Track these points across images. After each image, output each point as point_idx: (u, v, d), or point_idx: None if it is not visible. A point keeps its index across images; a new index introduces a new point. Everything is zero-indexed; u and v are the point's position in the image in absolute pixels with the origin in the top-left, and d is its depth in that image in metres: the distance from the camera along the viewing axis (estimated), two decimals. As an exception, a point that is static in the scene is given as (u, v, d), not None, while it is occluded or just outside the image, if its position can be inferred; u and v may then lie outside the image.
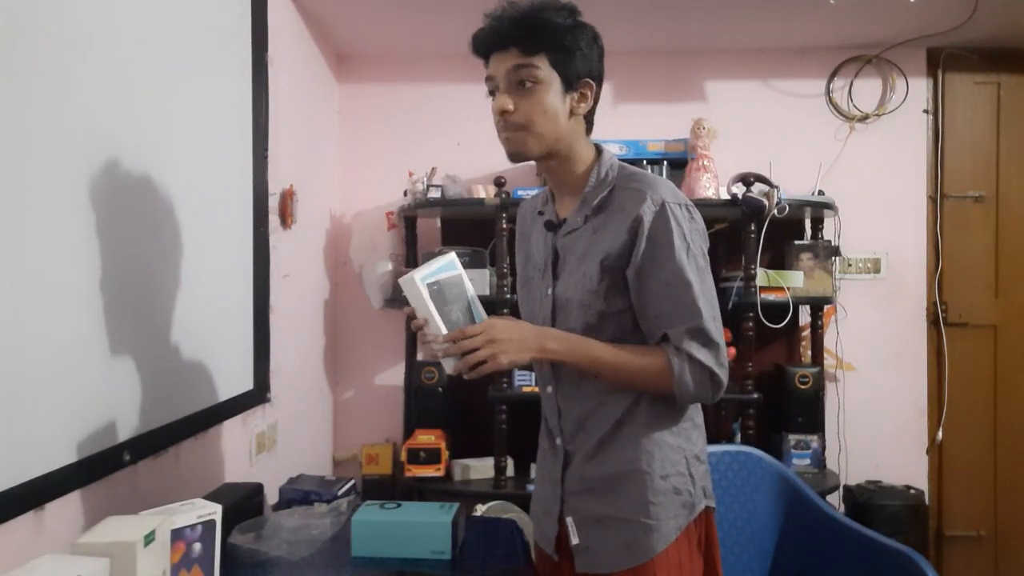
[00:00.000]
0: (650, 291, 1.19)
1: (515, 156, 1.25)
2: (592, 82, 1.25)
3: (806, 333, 2.84)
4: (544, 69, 1.19)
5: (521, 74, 1.19)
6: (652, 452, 1.22)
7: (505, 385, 2.51)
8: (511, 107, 1.20)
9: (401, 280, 1.17)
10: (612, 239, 1.21)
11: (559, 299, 1.28)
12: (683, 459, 1.24)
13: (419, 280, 1.15)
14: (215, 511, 1.19)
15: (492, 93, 1.25)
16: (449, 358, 1.16)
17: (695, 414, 1.30)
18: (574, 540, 1.25)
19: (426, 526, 1.39)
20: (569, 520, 1.26)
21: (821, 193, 2.67)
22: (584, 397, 1.27)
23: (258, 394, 2.01)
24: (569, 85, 1.22)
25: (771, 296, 2.54)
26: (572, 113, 1.24)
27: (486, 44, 1.23)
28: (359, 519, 1.41)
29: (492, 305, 2.54)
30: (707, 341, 1.17)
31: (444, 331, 1.15)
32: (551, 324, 1.28)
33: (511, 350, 1.15)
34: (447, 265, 1.22)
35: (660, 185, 1.23)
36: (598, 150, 1.32)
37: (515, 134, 1.22)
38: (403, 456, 2.55)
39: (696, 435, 1.29)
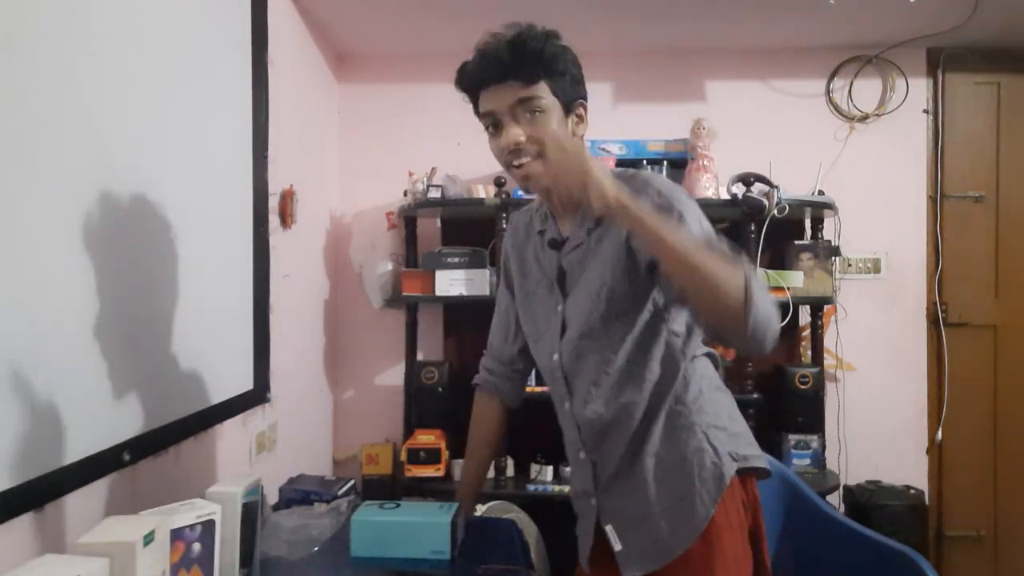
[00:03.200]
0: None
1: (531, 190, 1.25)
2: (584, 103, 1.27)
3: (806, 333, 2.84)
4: (547, 97, 1.20)
5: (528, 106, 1.19)
6: (675, 442, 1.22)
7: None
8: (523, 138, 1.19)
9: None
10: (615, 240, 1.21)
11: (569, 313, 1.28)
12: (700, 435, 1.22)
13: None
14: (215, 511, 1.19)
15: (492, 128, 1.23)
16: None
17: (704, 383, 1.26)
18: (616, 547, 1.24)
19: (425, 526, 1.39)
20: (608, 528, 1.26)
21: (821, 193, 2.67)
22: (601, 408, 1.25)
23: (258, 394, 2.01)
24: (568, 109, 1.23)
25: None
26: (573, 135, 1.25)
27: (481, 78, 1.21)
28: (358, 519, 1.41)
29: (492, 305, 2.53)
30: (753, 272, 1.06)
31: None
32: (559, 338, 1.29)
33: (597, 173, 1.03)
34: None
35: (652, 179, 1.21)
36: None
37: (532, 166, 1.20)
38: (403, 456, 2.55)
39: (710, 404, 1.25)
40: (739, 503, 1.22)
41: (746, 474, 1.24)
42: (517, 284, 1.43)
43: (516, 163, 1.21)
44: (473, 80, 1.22)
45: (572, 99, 1.23)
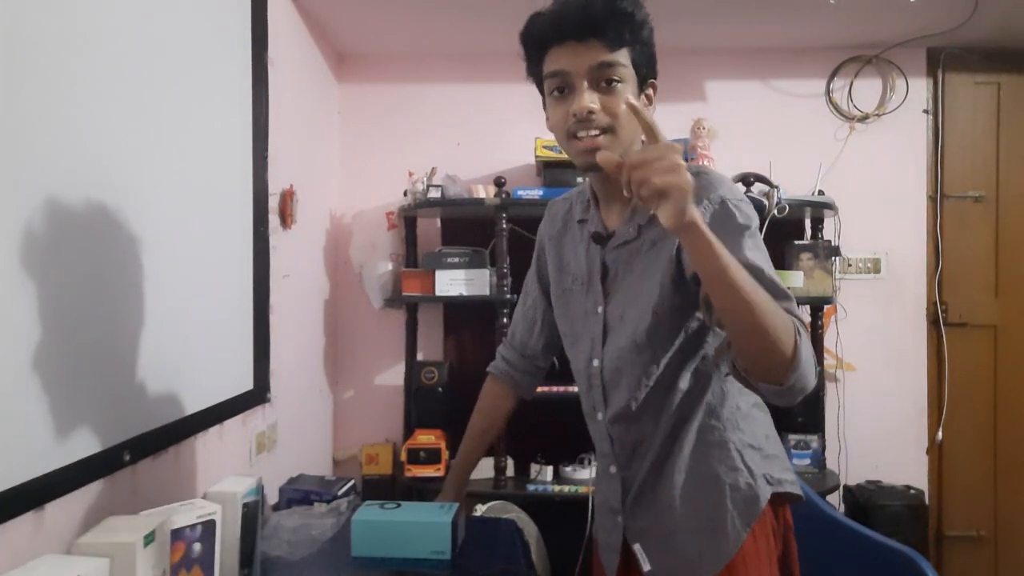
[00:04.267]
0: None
1: (596, 166, 1.06)
2: (655, 83, 1.16)
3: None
4: (628, 66, 1.08)
5: (607, 73, 1.06)
6: (707, 459, 1.15)
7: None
8: (597, 106, 1.06)
9: None
10: (669, 245, 1.10)
11: (611, 317, 1.18)
12: (735, 454, 1.15)
13: None
14: (215, 511, 1.19)
15: (557, 92, 1.10)
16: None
17: (741, 399, 1.19)
18: (645, 567, 1.18)
19: (426, 526, 1.39)
20: (636, 547, 1.19)
21: (821, 193, 2.67)
22: (635, 421, 1.18)
23: (258, 394, 2.01)
24: (642, 84, 1.12)
25: (771, 296, 2.54)
26: None
27: (560, 32, 1.07)
28: (359, 519, 1.41)
29: (492, 305, 2.54)
30: (799, 321, 0.97)
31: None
32: (601, 344, 1.20)
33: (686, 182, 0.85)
34: None
35: (718, 182, 1.09)
36: None
37: (600, 138, 1.07)
38: (403, 456, 2.55)
39: (746, 422, 1.17)
40: (770, 530, 1.15)
41: (780, 499, 1.17)
42: (553, 278, 1.33)
43: (581, 134, 1.08)
44: (548, 33, 1.08)
45: (648, 76, 1.13)
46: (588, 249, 1.23)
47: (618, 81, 1.07)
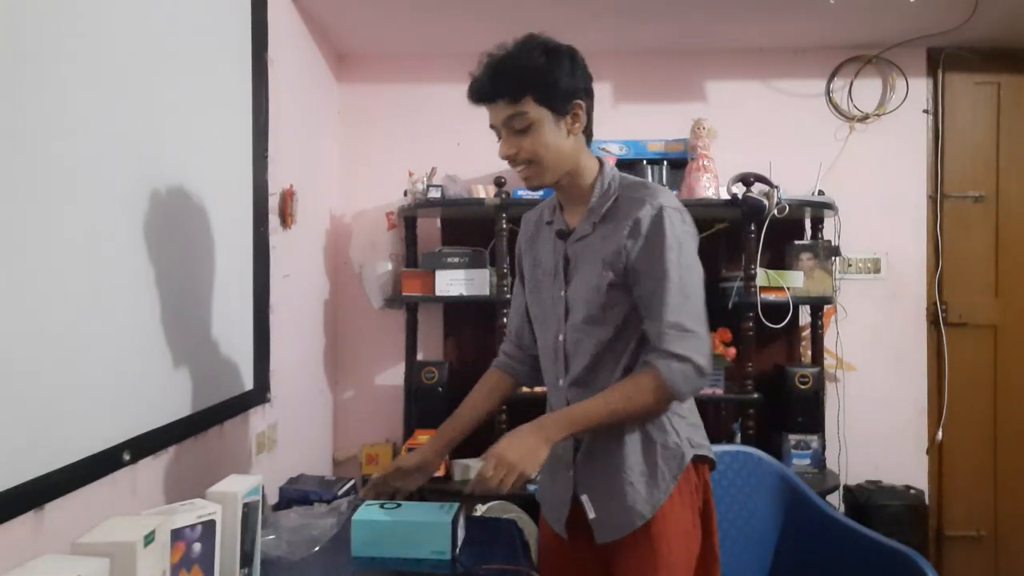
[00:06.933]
0: (640, 286, 1.31)
1: (535, 188, 1.39)
2: (581, 101, 1.35)
3: (806, 333, 2.84)
4: (533, 110, 1.30)
5: (514, 123, 1.31)
6: (643, 422, 1.35)
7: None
8: (514, 151, 1.33)
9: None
10: (616, 241, 1.33)
11: (570, 300, 1.40)
12: (665, 419, 1.36)
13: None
14: (215, 511, 1.19)
15: (499, 138, 1.37)
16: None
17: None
18: (591, 515, 1.36)
19: (426, 526, 1.39)
20: (584, 498, 1.37)
21: (821, 193, 2.67)
22: (589, 385, 1.37)
23: (258, 394, 2.01)
24: (561, 112, 1.32)
25: (771, 296, 2.54)
26: (570, 133, 1.34)
27: (478, 99, 1.34)
28: (359, 519, 1.41)
29: (492, 305, 2.54)
30: (683, 332, 1.27)
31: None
32: (564, 321, 1.40)
33: (527, 461, 1.26)
34: None
35: (659, 192, 1.34)
36: (600, 162, 1.42)
37: (527, 170, 1.35)
38: (403, 456, 2.55)
39: (680, 405, 1.40)
40: (692, 485, 1.37)
41: (699, 461, 1.39)
42: (528, 275, 1.53)
43: (516, 170, 1.37)
44: (474, 98, 1.35)
45: (565, 103, 1.32)
46: (554, 245, 1.45)
47: (527, 126, 1.31)
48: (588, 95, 1.37)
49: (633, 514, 1.33)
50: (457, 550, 1.40)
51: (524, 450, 1.26)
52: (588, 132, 1.39)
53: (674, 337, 1.27)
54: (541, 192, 2.48)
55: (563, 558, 1.47)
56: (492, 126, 1.37)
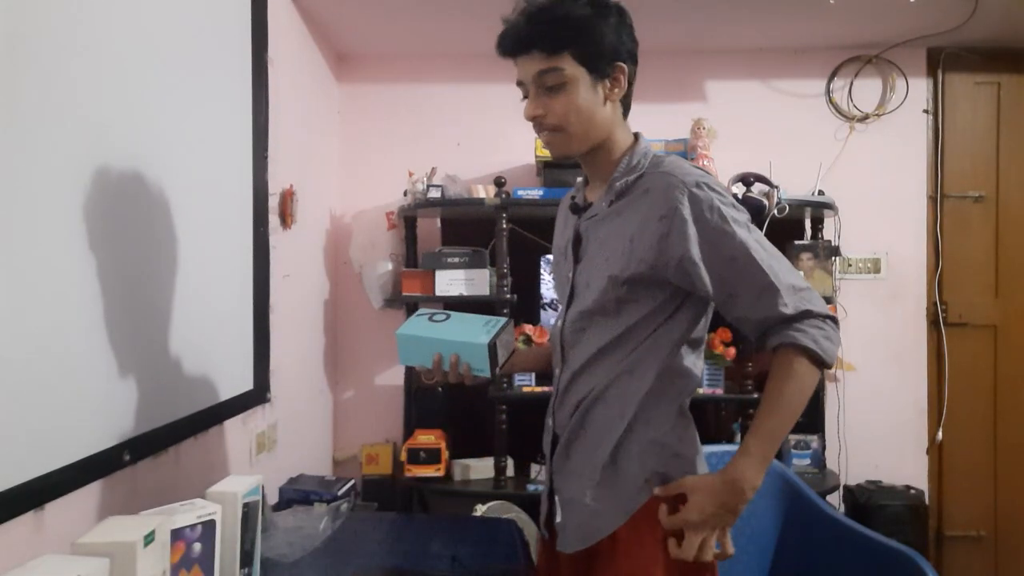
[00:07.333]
0: (722, 276, 1.13)
1: (559, 158, 1.25)
2: (624, 64, 1.21)
3: (806, 333, 2.83)
4: (570, 67, 1.15)
5: (547, 79, 1.15)
6: (612, 439, 1.18)
7: (505, 385, 2.51)
8: (541, 112, 1.17)
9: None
10: (640, 224, 1.15)
11: (578, 283, 1.24)
12: (642, 443, 1.19)
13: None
14: (215, 511, 1.19)
15: (524, 96, 1.21)
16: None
17: (667, 401, 1.21)
18: (557, 518, 1.25)
19: (465, 346, 1.28)
20: (556, 499, 1.26)
21: (821, 193, 2.67)
22: (581, 383, 1.22)
23: (258, 394, 2.01)
24: (600, 74, 1.18)
25: (771, 296, 2.54)
26: (607, 100, 1.20)
27: (508, 48, 1.18)
28: (401, 333, 1.33)
29: (491, 305, 2.54)
30: (800, 291, 1.12)
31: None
32: (566, 307, 1.26)
33: (728, 513, 1.12)
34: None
35: (690, 169, 1.18)
36: (636, 137, 1.29)
37: (553, 137, 1.20)
38: (403, 456, 2.55)
39: (662, 419, 1.20)
40: (655, 519, 1.18)
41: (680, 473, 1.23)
42: (553, 254, 1.41)
43: (540, 136, 1.22)
44: (503, 48, 1.19)
45: (606, 64, 1.18)
46: (567, 220, 1.31)
47: (561, 84, 1.15)
48: (633, 60, 1.23)
49: (582, 533, 1.19)
50: (498, 368, 1.29)
51: (723, 503, 1.11)
52: (627, 102, 1.26)
53: (802, 298, 1.11)
54: (541, 192, 2.51)
55: (545, 559, 1.36)
56: (519, 82, 1.19)
